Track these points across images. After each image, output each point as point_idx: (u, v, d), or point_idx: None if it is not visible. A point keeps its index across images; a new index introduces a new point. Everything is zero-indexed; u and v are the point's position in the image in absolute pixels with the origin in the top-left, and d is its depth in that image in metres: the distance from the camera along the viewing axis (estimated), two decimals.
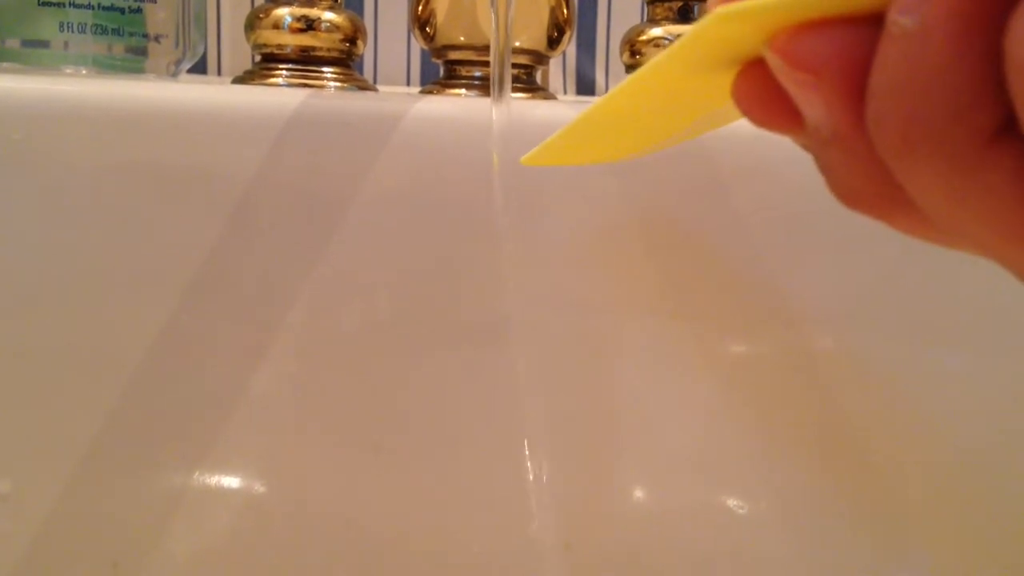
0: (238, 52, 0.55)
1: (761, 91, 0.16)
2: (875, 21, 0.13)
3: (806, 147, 0.17)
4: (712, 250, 0.35)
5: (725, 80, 0.17)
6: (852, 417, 0.35)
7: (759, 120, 0.16)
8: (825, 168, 0.16)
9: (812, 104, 0.14)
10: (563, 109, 0.36)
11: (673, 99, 0.18)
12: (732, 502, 0.35)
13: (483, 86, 0.39)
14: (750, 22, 0.14)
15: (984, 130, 0.13)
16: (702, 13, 0.17)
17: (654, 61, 0.16)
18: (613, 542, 0.35)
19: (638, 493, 0.35)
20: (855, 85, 0.14)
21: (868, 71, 0.13)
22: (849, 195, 0.16)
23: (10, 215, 0.32)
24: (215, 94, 0.34)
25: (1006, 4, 0.12)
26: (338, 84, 0.39)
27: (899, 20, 0.13)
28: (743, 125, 0.35)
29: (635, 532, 0.35)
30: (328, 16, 0.38)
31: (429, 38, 0.40)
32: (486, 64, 0.39)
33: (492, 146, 0.30)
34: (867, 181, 0.15)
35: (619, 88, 0.17)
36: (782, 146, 0.35)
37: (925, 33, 0.12)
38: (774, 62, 0.14)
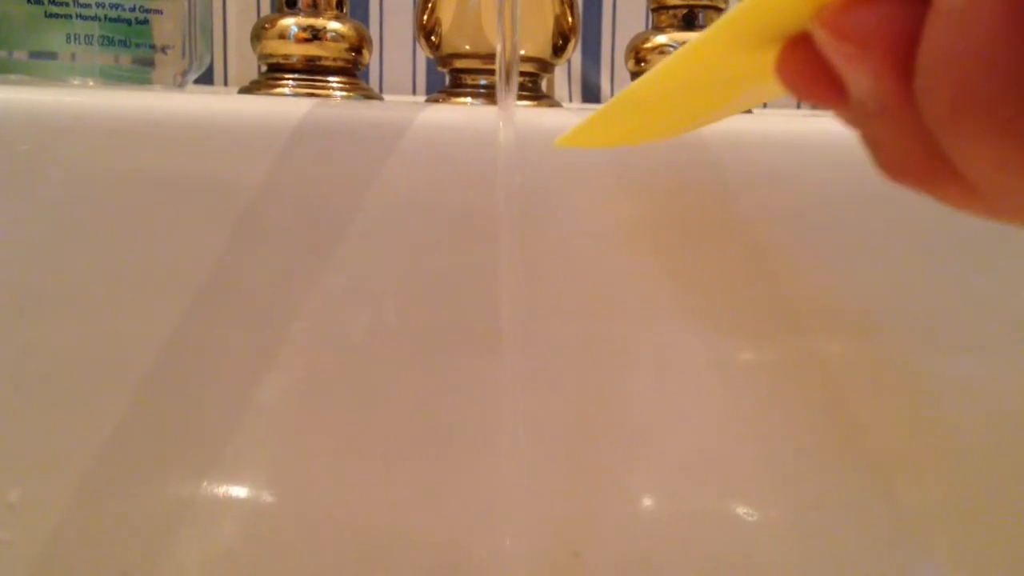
0: (244, 62, 0.55)
1: (806, 65, 0.16)
2: None
3: (850, 121, 0.17)
4: (721, 256, 0.35)
5: (767, 57, 0.16)
6: (863, 423, 0.35)
7: (804, 94, 0.16)
8: (870, 142, 0.16)
9: (859, 77, 0.14)
10: (569, 116, 0.36)
11: (713, 77, 0.18)
12: (742, 509, 0.35)
13: (489, 94, 0.39)
14: None
15: None
16: None
17: (697, 39, 0.16)
18: (622, 550, 0.35)
19: (647, 500, 0.35)
20: (902, 58, 0.14)
21: (916, 43, 0.13)
22: (895, 168, 0.16)
23: (18, 225, 0.33)
24: (221, 104, 0.34)
25: None
26: (344, 93, 0.39)
27: None
28: (750, 131, 0.35)
29: (644, 540, 0.35)
30: (334, 26, 0.38)
31: (435, 47, 0.40)
32: (491, 72, 0.39)
33: (498, 155, 0.30)
34: (914, 153, 0.15)
35: (660, 67, 0.17)
36: (790, 152, 0.35)
37: (974, 6, 0.12)
38: (821, 36, 0.14)
